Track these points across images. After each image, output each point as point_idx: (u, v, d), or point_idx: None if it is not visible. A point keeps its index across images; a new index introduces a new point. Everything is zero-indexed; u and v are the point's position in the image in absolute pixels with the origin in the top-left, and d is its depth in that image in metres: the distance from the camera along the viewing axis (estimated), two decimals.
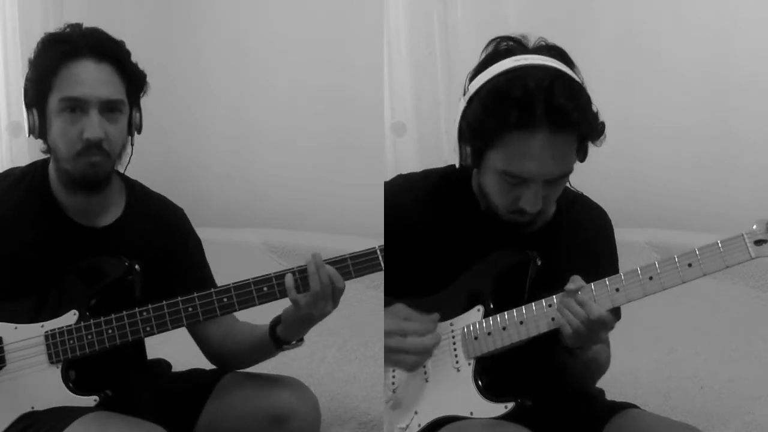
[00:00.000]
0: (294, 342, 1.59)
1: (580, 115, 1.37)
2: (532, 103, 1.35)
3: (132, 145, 1.62)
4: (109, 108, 1.54)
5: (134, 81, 1.59)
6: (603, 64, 3.37)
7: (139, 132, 1.63)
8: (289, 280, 1.51)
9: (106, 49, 1.55)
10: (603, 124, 1.44)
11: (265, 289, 1.52)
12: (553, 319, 1.45)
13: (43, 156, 1.65)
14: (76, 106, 1.52)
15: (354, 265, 1.51)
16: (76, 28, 1.59)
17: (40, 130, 1.56)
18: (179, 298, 1.54)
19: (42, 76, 1.54)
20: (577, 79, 1.42)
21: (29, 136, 1.58)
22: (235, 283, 1.53)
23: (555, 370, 1.50)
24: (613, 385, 1.94)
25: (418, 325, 1.54)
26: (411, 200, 1.63)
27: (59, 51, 1.53)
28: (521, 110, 1.36)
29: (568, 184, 1.56)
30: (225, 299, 1.53)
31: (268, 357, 1.66)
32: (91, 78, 1.52)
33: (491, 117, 1.39)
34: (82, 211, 1.62)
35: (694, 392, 2.48)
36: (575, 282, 1.44)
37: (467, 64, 1.50)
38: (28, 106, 1.56)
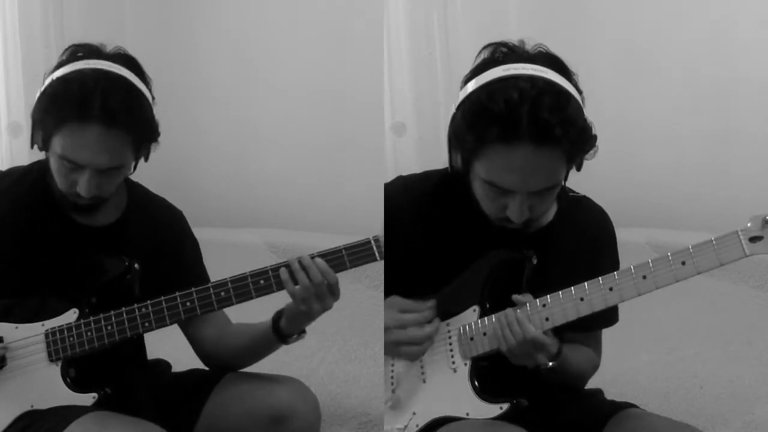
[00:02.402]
0: (296, 335, 1.59)
1: (563, 131, 1.34)
2: (515, 116, 1.33)
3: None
4: (106, 171, 1.53)
5: (145, 137, 1.57)
6: (603, 63, 3.37)
7: (146, 160, 1.63)
8: (284, 273, 1.51)
9: (119, 115, 1.49)
10: (594, 138, 1.41)
11: (261, 282, 1.52)
12: (547, 318, 1.45)
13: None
14: (74, 167, 1.52)
15: (349, 256, 1.51)
16: (98, 72, 1.52)
17: (42, 148, 1.57)
18: (177, 293, 1.54)
19: (48, 119, 1.52)
20: (568, 91, 1.38)
21: (32, 147, 1.58)
22: (232, 276, 1.54)
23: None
24: (612, 385, 1.95)
25: (417, 315, 1.54)
26: (410, 201, 1.63)
27: (71, 104, 1.48)
28: (503, 124, 1.34)
29: (569, 187, 1.56)
30: (222, 293, 1.53)
31: (268, 353, 1.67)
32: (94, 146, 1.49)
33: (471, 131, 1.38)
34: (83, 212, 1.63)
35: (694, 392, 2.48)
36: (524, 296, 1.46)
37: (467, 64, 1.49)
38: (34, 124, 1.56)
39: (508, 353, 1.46)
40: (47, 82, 1.54)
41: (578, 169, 1.45)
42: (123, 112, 1.48)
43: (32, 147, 1.59)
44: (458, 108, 1.42)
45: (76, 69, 1.52)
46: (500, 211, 1.45)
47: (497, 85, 1.37)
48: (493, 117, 1.35)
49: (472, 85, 1.40)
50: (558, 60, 1.43)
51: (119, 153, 1.52)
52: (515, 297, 1.48)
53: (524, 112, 1.33)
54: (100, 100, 1.46)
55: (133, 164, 1.60)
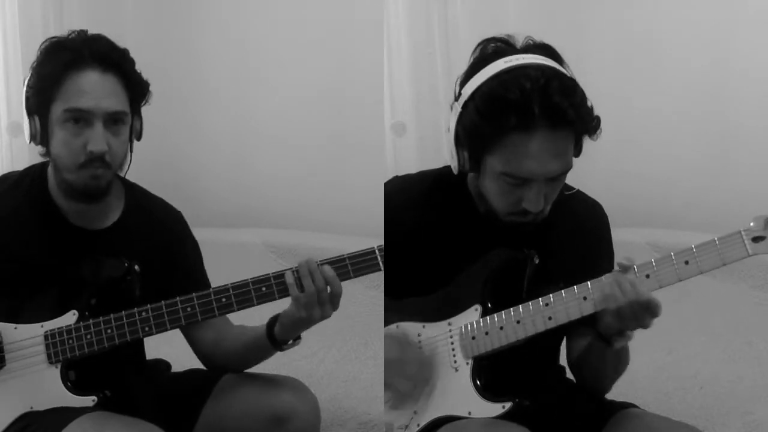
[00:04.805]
0: (291, 342, 1.59)
1: (576, 112, 1.38)
2: (530, 104, 1.35)
3: (131, 151, 1.63)
4: (113, 120, 1.54)
5: (137, 91, 1.59)
6: (603, 62, 3.36)
7: (139, 139, 1.64)
8: (289, 276, 1.50)
9: (110, 59, 1.53)
10: (598, 119, 1.44)
11: (263, 289, 1.52)
12: (550, 318, 1.45)
13: (42, 158, 1.64)
14: (80, 118, 1.51)
15: (353, 265, 1.51)
16: (80, 35, 1.57)
17: (41, 137, 1.56)
18: (178, 299, 1.54)
19: (45, 84, 1.52)
20: (572, 76, 1.42)
21: (30, 142, 1.58)
22: (234, 283, 1.53)
23: (560, 370, 1.50)
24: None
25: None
26: (407, 201, 1.64)
27: (63, 59, 1.51)
28: (519, 112, 1.36)
29: (566, 183, 1.56)
30: (223, 299, 1.53)
31: (263, 358, 1.66)
32: (95, 89, 1.51)
33: (488, 122, 1.39)
34: (81, 215, 1.63)
35: (694, 392, 2.48)
36: (629, 260, 1.41)
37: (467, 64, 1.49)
38: (29, 112, 1.55)
39: (614, 313, 1.39)
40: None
41: (577, 154, 1.47)
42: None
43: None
44: (466, 104, 1.43)
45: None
46: (514, 205, 1.46)
47: (507, 76, 1.39)
48: (509, 105, 1.36)
49: (477, 80, 1.42)
50: (550, 48, 1.46)
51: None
52: (619, 262, 1.41)
53: (537, 99, 1.35)
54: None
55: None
